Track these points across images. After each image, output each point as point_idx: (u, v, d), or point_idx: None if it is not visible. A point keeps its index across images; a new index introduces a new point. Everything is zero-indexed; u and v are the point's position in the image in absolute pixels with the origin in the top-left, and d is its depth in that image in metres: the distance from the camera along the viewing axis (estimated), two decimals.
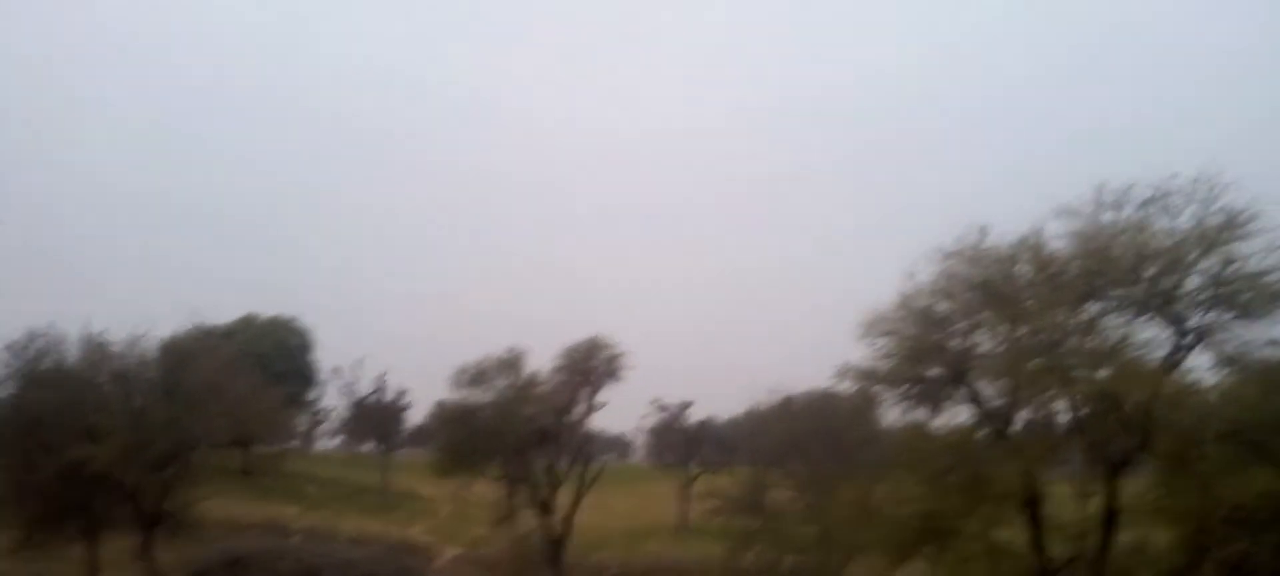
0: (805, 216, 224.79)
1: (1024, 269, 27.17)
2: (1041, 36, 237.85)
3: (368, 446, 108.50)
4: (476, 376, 54.45)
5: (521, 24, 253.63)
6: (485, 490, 58.82)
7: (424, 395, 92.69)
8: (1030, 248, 27.06)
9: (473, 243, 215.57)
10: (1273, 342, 26.04)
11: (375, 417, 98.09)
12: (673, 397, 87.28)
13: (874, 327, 28.06)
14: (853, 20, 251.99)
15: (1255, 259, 25.72)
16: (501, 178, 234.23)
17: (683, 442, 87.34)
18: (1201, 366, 26.79)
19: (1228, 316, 26.14)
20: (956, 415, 28.49)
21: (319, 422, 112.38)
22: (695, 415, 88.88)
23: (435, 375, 60.46)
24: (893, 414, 29.96)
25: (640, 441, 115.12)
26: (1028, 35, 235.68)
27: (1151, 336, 26.65)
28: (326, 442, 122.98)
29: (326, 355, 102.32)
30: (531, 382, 55.22)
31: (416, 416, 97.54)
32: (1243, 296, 25.74)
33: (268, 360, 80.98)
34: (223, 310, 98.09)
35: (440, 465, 57.57)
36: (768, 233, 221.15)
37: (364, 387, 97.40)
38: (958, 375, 27.54)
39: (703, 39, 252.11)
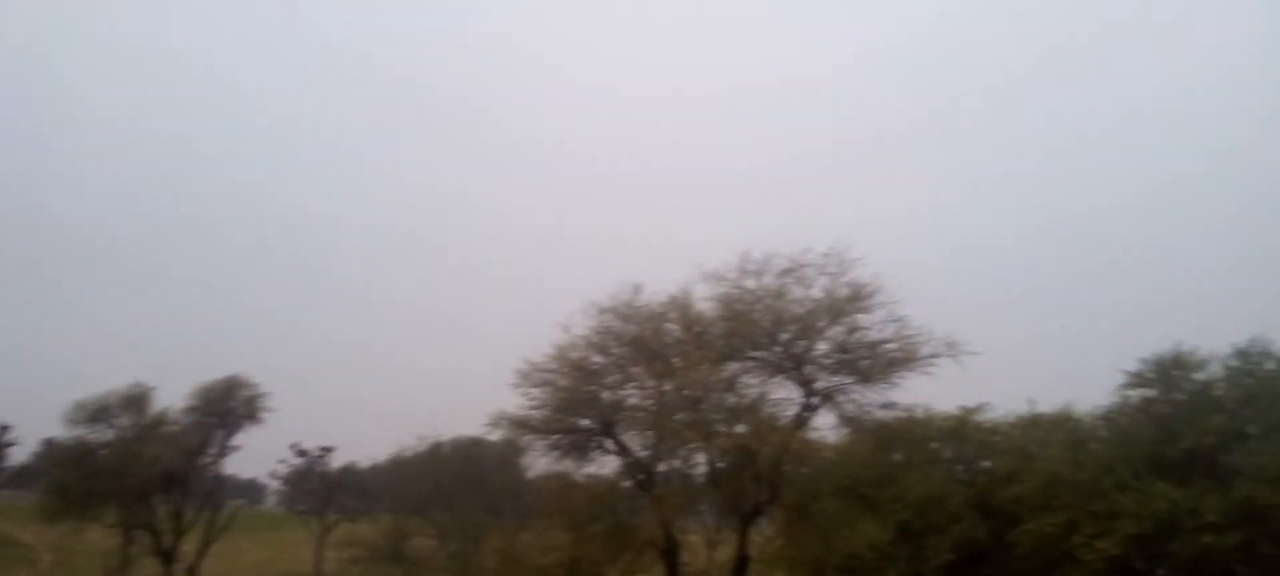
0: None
1: (673, 327, 28.46)
2: None
3: None
4: (96, 413, 49.65)
5: None
6: (99, 538, 53.68)
7: (35, 431, 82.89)
8: (679, 307, 28.45)
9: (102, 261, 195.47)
10: (886, 405, 28.86)
11: None
12: (314, 441, 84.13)
13: (529, 377, 28.35)
14: None
15: (875, 329, 28.42)
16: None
17: (322, 488, 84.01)
18: (825, 425, 29.25)
19: (849, 380, 28.70)
20: (604, 465, 29.33)
21: None
22: (337, 460, 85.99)
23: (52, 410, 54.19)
24: (542, 463, 30.31)
25: (276, 486, 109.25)
26: None
27: (784, 396, 28.81)
28: None
29: None
30: (159, 421, 51.13)
31: (21, 455, 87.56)
32: (863, 362, 28.37)
33: None
34: None
35: (47, 509, 51.79)
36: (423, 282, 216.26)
37: None
38: (607, 426, 28.38)
39: None
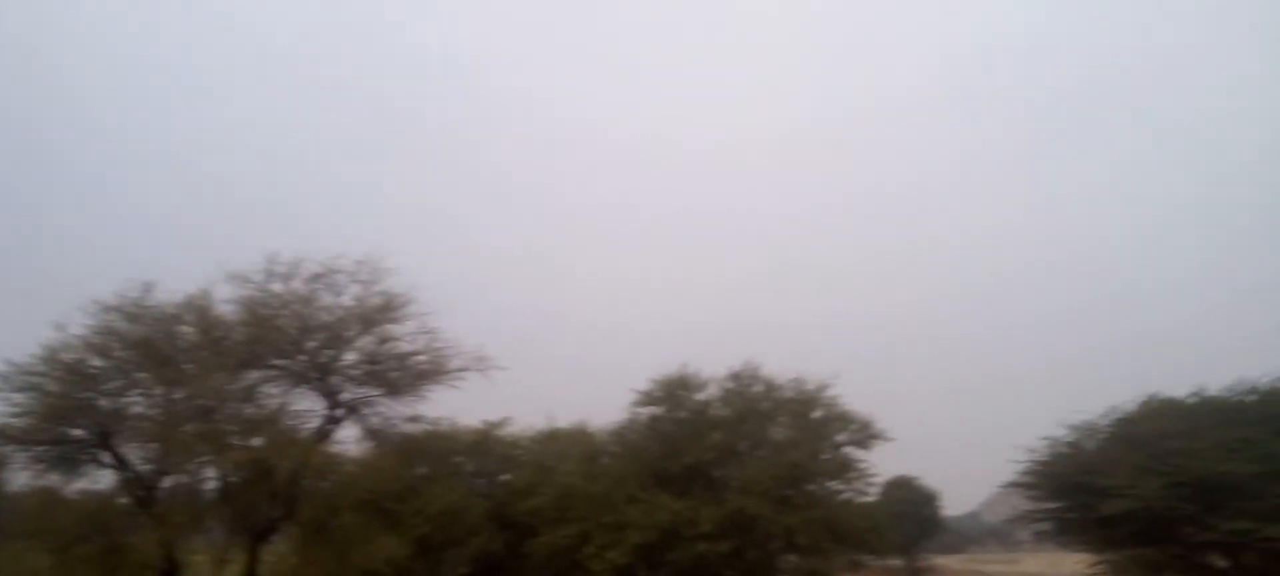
0: None
1: (189, 330, 26.91)
2: None
3: None
4: None
5: None
6: None
7: None
8: (196, 309, 26.96)
9: None
10: (412, 418, 29.21)
11: None
12: None
13: (10, 381, 25.40)
14: None
15: (405, 341, 28.68)
16: None
17: None
18: (349, 438, 29.04)
19: (377, 392, 28.74)
20: (98, 480, 26.99)
21: None
22: None
23: None
24: (23, 477, 27.28)
25: None
26: None
27: (308, 407, 28.30)
28: None
29: None
30: None
31: None
32: (392, 374, 28.53)
33: None
34: None
35: None
36: None
37: None
38: (104, 437, 26.10)
39: None
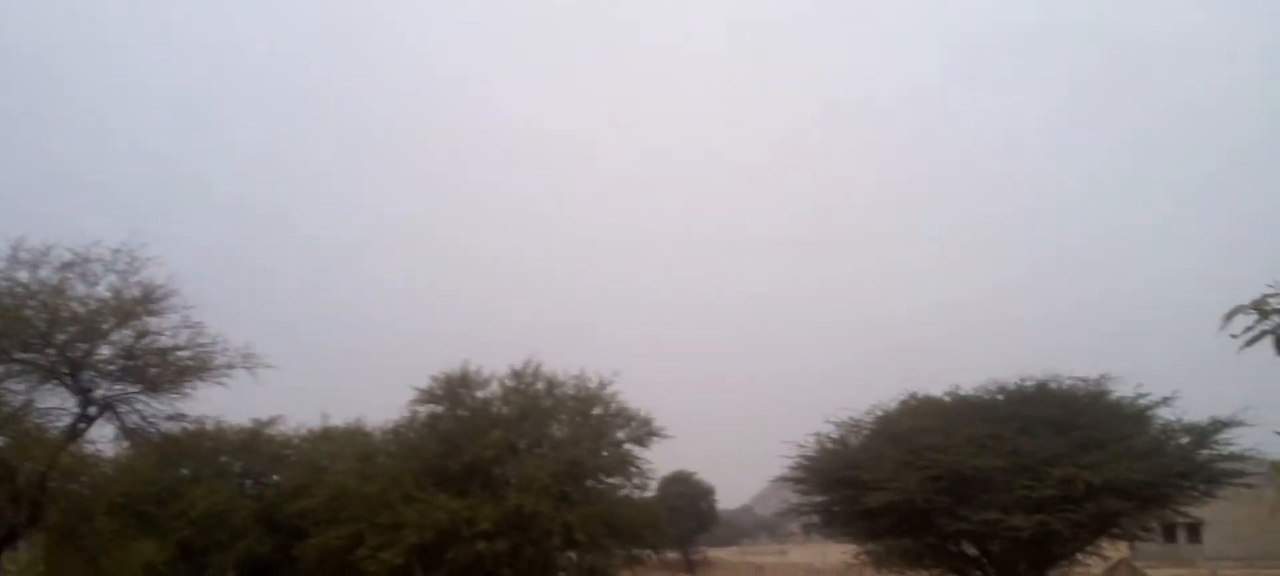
0: None
1: None
2: None
3: None
4: None
5: None
6: None
7: None
8: None
9: None
10: (174, 417, 28.09)
11: None
12: None
13: None
14: None
15: (167, 335, 27.54)
16: None
17: None
18: (103, 437, 27.68)
19: (135, 389, 27.51)
20: None
21: None
22: None
23: None
24: None
25: None
26: None
27: (57, 404, 26.85)
28: None
29: None
30: None
31: None
32: (151, 370, 27.35)
33: None
34: None
35: None
36: None
37: None
38: None
39: None
